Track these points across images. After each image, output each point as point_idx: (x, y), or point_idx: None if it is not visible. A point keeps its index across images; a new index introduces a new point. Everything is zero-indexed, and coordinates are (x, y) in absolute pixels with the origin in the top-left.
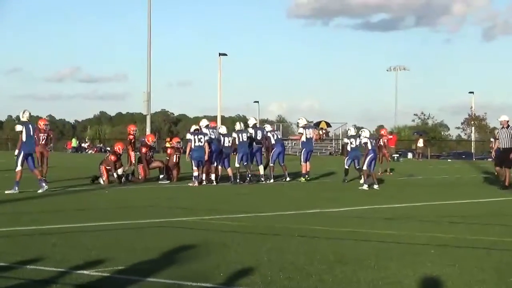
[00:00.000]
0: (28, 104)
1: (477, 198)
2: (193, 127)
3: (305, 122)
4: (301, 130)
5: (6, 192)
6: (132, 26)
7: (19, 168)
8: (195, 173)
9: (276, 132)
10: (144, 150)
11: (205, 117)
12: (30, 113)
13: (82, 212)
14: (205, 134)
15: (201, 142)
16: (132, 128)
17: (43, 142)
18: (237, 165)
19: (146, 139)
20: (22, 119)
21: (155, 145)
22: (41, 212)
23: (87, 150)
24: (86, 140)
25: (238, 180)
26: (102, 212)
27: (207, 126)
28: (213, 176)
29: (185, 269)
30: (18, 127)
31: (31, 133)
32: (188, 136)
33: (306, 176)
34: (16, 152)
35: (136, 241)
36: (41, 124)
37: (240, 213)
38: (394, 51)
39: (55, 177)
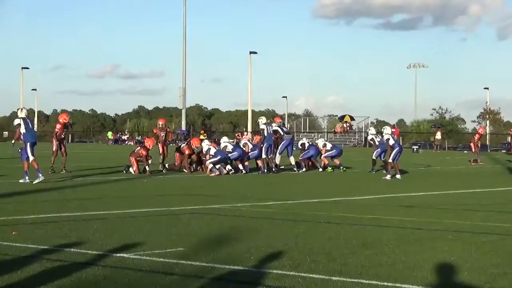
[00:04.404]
0: (71, 98)
1: (492, 187)
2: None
3: (265, 121)
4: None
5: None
6: (169, 25)
7: (32, 158)
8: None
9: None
10: (187, 152)
11: (237, 111)
12: (27, 110)
13: (122, 199)
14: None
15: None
16: (159, 122)
17: (62, 136)
18: (264, 156)
19: (191, 142)
20: (20, 116)
21: (198, 150)
22: (85, 199)
23: (126, 142)
24: (126, 132)
25: (265, 170)
26: (141, 199)
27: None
28: (240, 166)
29: (217, 253)
30: (16, 121)
31: (30, 126)
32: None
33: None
34: (13, 142)
35: (172, 226)
36: (67, 118)
37: (269, 200)
38: (414, 50)
39: (95, 167)
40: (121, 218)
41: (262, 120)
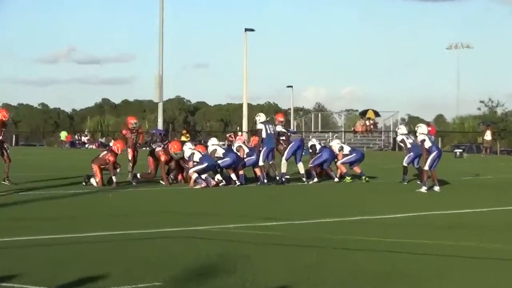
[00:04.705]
0: (15, 89)
1: None
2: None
3: (264, 119)
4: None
5: None
6: None
7: None
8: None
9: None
10: (164, 158)
11: (229, 105)
12: None
13: (82, 220)
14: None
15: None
16: (130, 121)
17: (1, 138)
18: (261, 163)
19: (169, 147)
20: None
21: (178, 156)
22: (34, 219)
23: (86, 145)
24: (86, 133)
25: (265, 181)
26: (105, 219)
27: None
28: (233, 176)
29: (203, 287)
30: None
31: None
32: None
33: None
34: None
35: (146, 254)
36: (6, 115)
37: (269, 220)
38: (455, 26)
39: (46, 178)
40: (79, 244)
41: (260, 117)
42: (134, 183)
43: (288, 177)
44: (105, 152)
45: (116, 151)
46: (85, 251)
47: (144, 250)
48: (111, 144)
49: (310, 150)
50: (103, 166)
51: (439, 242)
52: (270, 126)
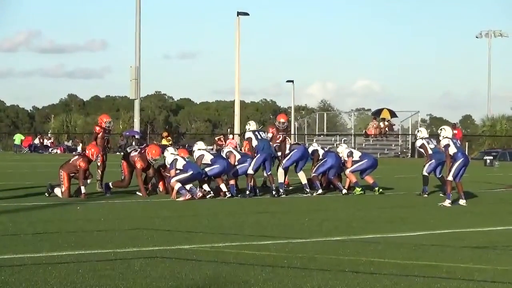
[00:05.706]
0: None
1: None
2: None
3: (255, 127)
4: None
5: None
6: None
7: None
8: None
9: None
10: (140, 165)
11: (218, 103)
12: None
13: (44, 237)
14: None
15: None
16: (104, 120)
17: None
18: (251, 171)
19: (147, 152)
20: None
21: (156, 163)
22: None
23: (50, 150)
24: (49, 135)
25: (249, 191)
26: (72, 237)
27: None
28: (223, 186)
29: None
30: None
31: None
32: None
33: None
34: None
35: (119, 278)
36: None
37: (266, 239)
38: (486, 11)
39: (2, 187)
40: (42, 265)
41: (250, 126)
42: (108, 195)
43: (292, 187)
44: (77, 157)
45: (91, 157)
46: (48, 274)
47: (117, 273)
48: (79, 148)
49: (312, 157)
50: (72, 174)
51: (466, 265)
52: (262, 133)
